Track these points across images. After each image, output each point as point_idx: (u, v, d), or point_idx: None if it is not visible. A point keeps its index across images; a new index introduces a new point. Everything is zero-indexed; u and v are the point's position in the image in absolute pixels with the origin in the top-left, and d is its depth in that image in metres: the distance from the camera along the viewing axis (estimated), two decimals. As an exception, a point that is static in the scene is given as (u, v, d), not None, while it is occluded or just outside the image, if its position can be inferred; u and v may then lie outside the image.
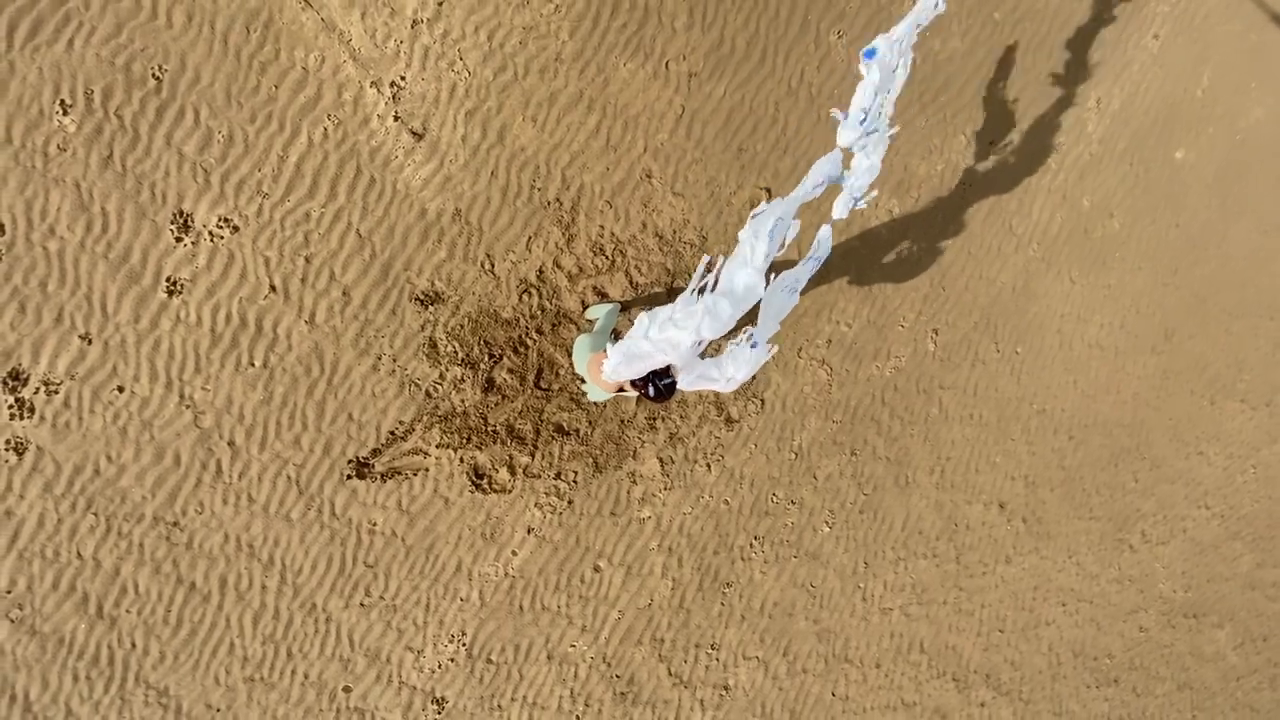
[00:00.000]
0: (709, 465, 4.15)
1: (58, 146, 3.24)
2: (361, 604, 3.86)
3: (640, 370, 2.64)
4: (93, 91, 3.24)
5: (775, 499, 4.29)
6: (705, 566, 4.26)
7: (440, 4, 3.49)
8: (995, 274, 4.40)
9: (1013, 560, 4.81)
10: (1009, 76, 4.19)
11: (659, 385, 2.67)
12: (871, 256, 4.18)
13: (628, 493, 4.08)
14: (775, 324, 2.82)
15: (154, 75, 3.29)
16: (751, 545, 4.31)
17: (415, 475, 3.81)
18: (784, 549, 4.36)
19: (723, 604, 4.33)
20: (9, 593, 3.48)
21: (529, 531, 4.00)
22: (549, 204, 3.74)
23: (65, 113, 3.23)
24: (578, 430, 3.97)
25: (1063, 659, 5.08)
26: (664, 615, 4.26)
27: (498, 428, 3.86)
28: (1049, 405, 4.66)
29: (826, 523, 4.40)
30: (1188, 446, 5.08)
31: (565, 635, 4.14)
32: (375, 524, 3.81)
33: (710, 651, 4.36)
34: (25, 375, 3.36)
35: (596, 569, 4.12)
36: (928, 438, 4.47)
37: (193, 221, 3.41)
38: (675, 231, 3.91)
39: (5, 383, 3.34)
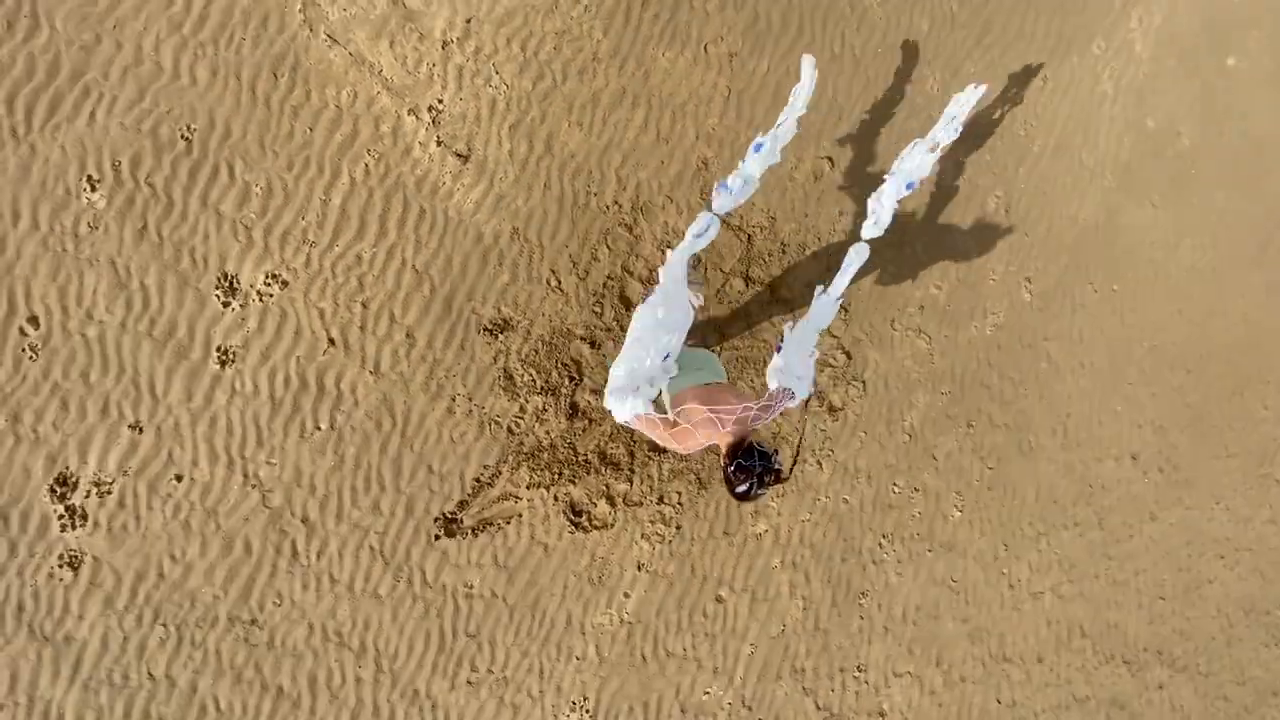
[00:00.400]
0: (820, 462, 3.77)
1: (88, 225, 3.02)
2: (469, 682, 3.40)
3: (635, 405, 2.22)
4: (120, 162, 3.03)
5: (897, 489, 3.88)
6: (835, 578, 3.82)
7: (468, 21, 3.35)
8: (1075, 211, 4.14)
9: (1158, 516, 4.36)
10: (1047, 8, 4.04)
11: (754, 472, 2.04)
12: (946, 211, 3.93)
13: (739, 508, 3.68)
14: (815, 335, 2.60)
15: (183, 136, 3.09)
16: (881, 545, 3.88)
17: (508, 523, 3.42)
18: (916, 543, 3.93)
19: (861, 617, 3.86)
20: (75, 734, 3.03)
21: (639, 568, 3.58)
22: (607, 208, 3.51)
23: (93, 189, 3.01)
24: (674, 446, 3.61)
25: (1234, 619, 4.55)
26: (800, 641, 3.78)
27: (589, 456, 3.50)
28: (1159, 340, 4.32)
29: (956, 506, 3.98)
30: (1309, 362, 4.71)
31: (696, 682, 3.66)
32: (472, 586, 3.39)
33: (857, 674, 3.86)
34: (74, 479, 3.02)
35: (719, 599, 3.68)
36: (1042, 395, 4.11)
37: (239, 283, 3.15)
38: (742, 216, 3.66)
39: (53, 490, 3.00)
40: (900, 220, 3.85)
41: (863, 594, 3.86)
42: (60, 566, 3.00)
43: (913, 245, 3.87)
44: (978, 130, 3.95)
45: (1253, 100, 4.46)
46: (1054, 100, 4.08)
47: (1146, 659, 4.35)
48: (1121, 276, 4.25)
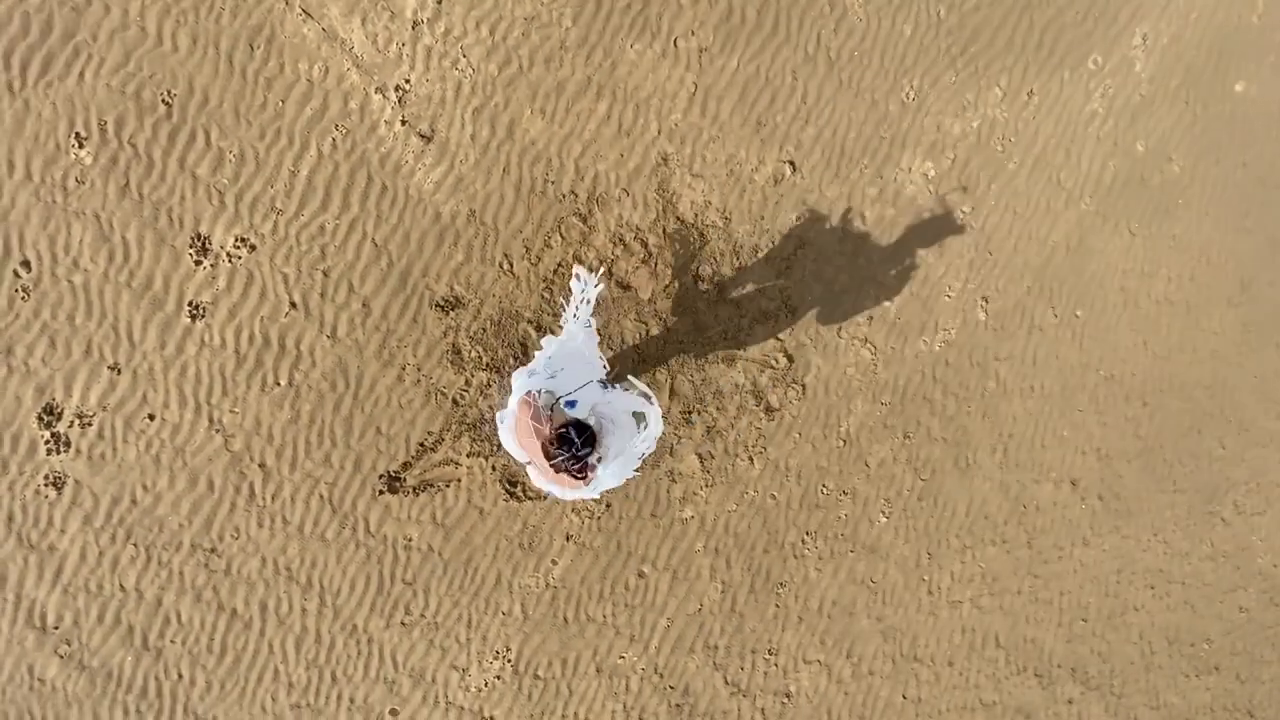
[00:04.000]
0: (751, 458, 3.93)
1: (76, 179, 3.27)
2: (402, 623, 3.75)
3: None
4: (106, 122, 3.25)
5: (826, 490, 4.03)
6: (756, 567, 4.03)
7: (440, 2, 3.42)
8: (1046, 233, 4.09)
9: (1091, 542, 4.43)
10: (1043, 19, 3.90)
11: (574, 451, 2.46)
12: (908, 224, 3.93)
13: (667, 492, 3.89)
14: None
15: (164, 100, 3.29)
16: (804, 541, 4.06)
17: (448, 486, 3.69)
18: (839, 543, 4.09)
19: (777, 606, 4.08)
20: (56, 628, 3.47)
21: (567, 539, 3.83)
22: (564, 197, 3.62)
23: (81, 145, 3.25)
24: (611, 430, 3.80)
25: (1156, 647, 4.65)
26: (715, 620, 4.03)
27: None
28: (1117, 370, 4.30)
29: (883, 513, 4.12)
30: (1278, 405, 4.63)
31: (613, 646, 3.95)
32: (411, 539, 3.70)
33: (768, 657, 4.11)
34: (59, 409, 3.37)
35: (641, 575, 3.93)
36: (986, 414, 4.16)
37: (210, 244, 3.39)
38: (697, 215, 3.73)
39: (40, 418, 3.35)
40: (858, 230, 3.88)
41: (781, 584, 4.07)
42: (46, 485, 3.39)
43: (868, 256, 3.90)
44: (949, 144, 3.90)
45: (1259, 130, 4.27)
46: (1037, 116, 3.98)
47: (1059, 674, 4.50)
48: (1087, 303, 4.21)
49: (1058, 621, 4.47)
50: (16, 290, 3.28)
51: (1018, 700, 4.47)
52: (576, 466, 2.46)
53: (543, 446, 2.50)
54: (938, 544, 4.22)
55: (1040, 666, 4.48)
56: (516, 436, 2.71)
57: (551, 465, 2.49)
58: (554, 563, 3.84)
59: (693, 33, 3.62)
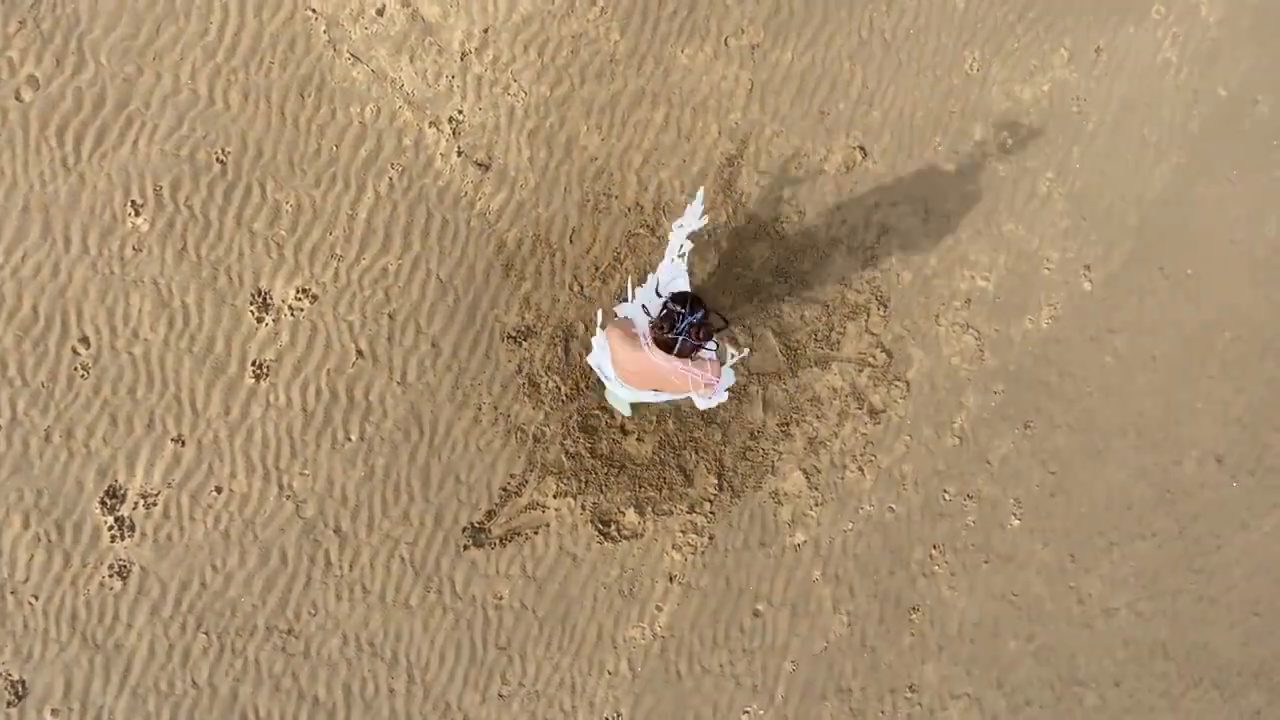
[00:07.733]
0: (861, 469, 3.57)
1: (133, 248, 3.15)
2: (500, 695, 3.35)
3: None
4: (161, 187, 3.17)
5: (948, 496, 3.63)
6: (883, 592, 3.59)
7: (485, 31, 3.36)
8: (1139, 191, 3.81)
9: (1250, 524, 3.93)
10: (1099, -24, 3.76)
11: (687, 318, 2.13)
12: (994, 197, 3.68)
13: (774, 516, 3.52)
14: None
15: (218, 159, 3.20)
16: (932, 557, 3.62)
17: (536, 533, 3.36)
18: (971, 555, 3.65)
19: (912, 634, 3.61)
20: (126, 739, 3.13)
21: (671, 580, 3.45)
22: (629, 210, 3.44)
23: (137, 213, 3.15)
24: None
25: (1346, 641, 4.05)
26: (846, 659, 3.57)
27: (614, 461, 3.41)
28: (1243, 328, 3.91)
29: (1014, 515, 3.69)
30: None
31: (735, 700, 3.49)
32: (501, 597, 3.34)
33: (909, 695, 3.61)
34: (122, 491, 3.14)
35: (756, 613, 3.51)
36: (1109, 393, 3.77)
37: (271, 298, 3.23)
38: (769, 212, 3.52)
39: (103, 503, 3.12)
40: (941, 210, 3.64)
41: (913, 609, 3.61)
42: (110, 576, 3.12)
43: (956, 235, 3.64)
44: (1022, 111, 3.69)
45: (1344, 60, 4.02)
46: (1110, 73, 3.78)
47: (1241, 683, 3.91)
48: (1196, 259, 3.88)
49: (1229, 621, 3.91)
50: (76, 369, 3.12)
51: (1199, 719, 3.87)
52: (701, 333, 2.17)
53: (653, 338, 2.20)
54: (1080, 545, 3.76)
55: (1218, 676, 3.90)
56: (620, 368, 2.39)
57: (675, 351, 2.17)
58: (659, 609, 3.45)
59: (743, 30, 3.51)
